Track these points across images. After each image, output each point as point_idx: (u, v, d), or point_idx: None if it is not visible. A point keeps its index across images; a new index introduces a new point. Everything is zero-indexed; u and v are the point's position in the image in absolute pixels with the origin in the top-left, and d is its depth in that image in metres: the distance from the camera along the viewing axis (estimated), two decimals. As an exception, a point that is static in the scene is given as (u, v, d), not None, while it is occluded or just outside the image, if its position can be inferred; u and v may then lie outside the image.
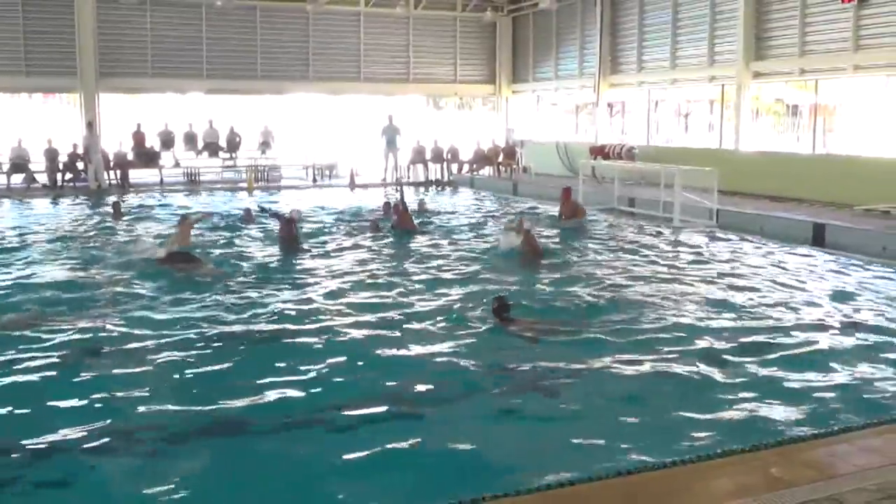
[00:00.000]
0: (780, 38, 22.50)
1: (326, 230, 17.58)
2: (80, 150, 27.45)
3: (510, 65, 35.62)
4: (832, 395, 7.21)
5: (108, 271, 12.78)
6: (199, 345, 8.70)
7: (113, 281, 12.00)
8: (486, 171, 30.92)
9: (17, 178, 26.93)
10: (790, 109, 26.37)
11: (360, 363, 8.06)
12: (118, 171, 27.87)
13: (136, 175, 28.40)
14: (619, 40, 29.25)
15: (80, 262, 13.71)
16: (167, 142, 29.52)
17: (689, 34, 25.93)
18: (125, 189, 27.01)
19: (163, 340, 8.75)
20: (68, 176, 27.26)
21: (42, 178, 27.22)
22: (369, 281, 12.19)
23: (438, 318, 9.71)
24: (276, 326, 9.46)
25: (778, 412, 6.75)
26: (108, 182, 27.30)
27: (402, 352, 8.53)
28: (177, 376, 7.68)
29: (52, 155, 27.06)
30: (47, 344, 8.58)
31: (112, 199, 21.31)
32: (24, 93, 34.99)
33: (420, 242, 15.89)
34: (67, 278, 12.25)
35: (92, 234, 17.31)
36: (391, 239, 16.28)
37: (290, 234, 15.07)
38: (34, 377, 7.61)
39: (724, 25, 24.39)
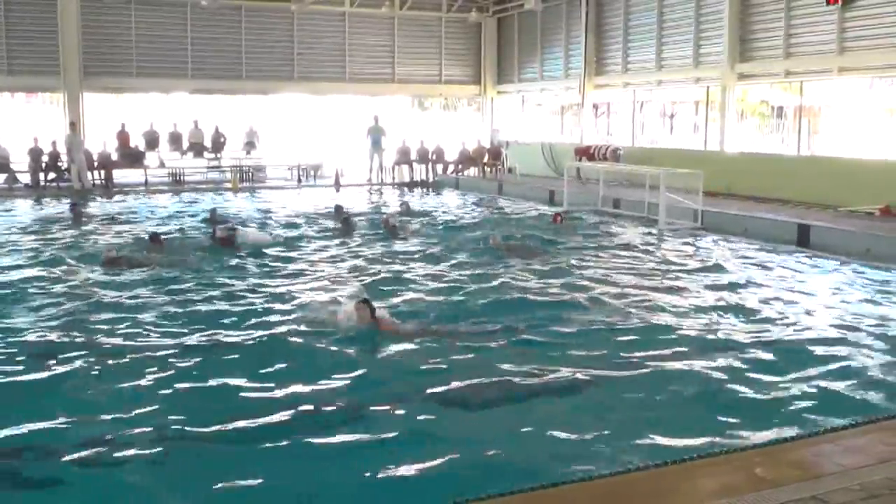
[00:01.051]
0: (765, 39, 22.57)
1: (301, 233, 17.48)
2: (62, 149, 27.39)
3: (495, 65, 35.63)
4: (816, 394, 7.21)
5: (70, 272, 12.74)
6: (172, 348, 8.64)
7: (76, 283, 11.95)
8: (472, 171, 30.91)
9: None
10: (775, 111, 26.44)
11: (335, 366, 7.99)
12: (102, 172, 27.73)
13: (120, 175, 28.27)
14: (604, 41, 29.29)
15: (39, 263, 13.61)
16: (152, 142, 29.45)
17: (675, 35, 25.99)
18: (109, 189, 26.90)
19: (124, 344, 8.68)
20: (51, 176, 27.12)
21: (25, 178, 27.04)
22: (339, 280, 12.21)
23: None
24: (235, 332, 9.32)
25: (762, 412, 6.75)
26: (91, 182, 27.13)
27: (377, 355, 8.47)
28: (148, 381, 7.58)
29: (35, 154, 26.89)
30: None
31: (69, 201, 21.06)
32: (6, 92, 34.83)
33: (394, 244, 15.82)
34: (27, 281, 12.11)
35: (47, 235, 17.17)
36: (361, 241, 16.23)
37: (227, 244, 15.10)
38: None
39: (710, 27, 24.46)
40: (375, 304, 9.25)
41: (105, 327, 9.35)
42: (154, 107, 33.18)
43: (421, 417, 6.79)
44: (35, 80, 29.63)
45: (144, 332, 9.20)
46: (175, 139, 29.94)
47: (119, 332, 9.23)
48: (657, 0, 26.35)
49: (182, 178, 29.39)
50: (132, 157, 28.70)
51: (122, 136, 28.77)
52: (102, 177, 27.74)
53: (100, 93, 31.07)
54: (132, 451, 6.05)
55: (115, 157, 28.24)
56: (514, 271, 12.96)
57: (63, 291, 11.28)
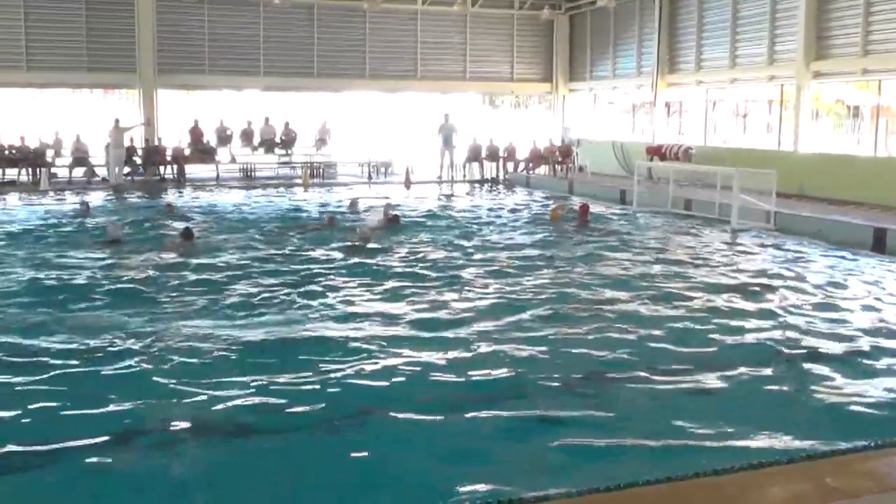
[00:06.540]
0: (842, 37, 22.12)
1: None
2: (138, 144, 28.14)
3: (567, 63, 35.49)
4: (890, 404, 7.05)
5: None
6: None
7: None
8: (542, 169, 30.79)
9: (79, 172, 27.45)
10: (851, 110, 25.96)
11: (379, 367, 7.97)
12: (175, 166, 28.24)
13: (192, 170, 28.76)
14: (677, 38, 29.01)
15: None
16: (224, 138, 29.83)
17: (749, 33, 25.61)
18: (182, 183, 27.41)
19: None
20: (126, 170, 27.58)
21: (102, 172, 27.64)
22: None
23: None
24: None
25: (834, 420, 6.62)
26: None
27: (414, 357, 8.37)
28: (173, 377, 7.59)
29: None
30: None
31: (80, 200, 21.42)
32: (85, 88, 35.56)
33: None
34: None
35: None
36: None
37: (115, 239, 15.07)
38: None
39: (785, 24, 24.05)
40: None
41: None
42: (226, 103, 33.60)
43: (453, 419, 6.75)
44: (112, 77, 30.27)
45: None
46: (247, 135, 30.29)
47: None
48: (731, -4, 26.07)
49: (253, 173, 29.77)
50: (204, 153, 29.12)
51: (195, 132, 29.23)
52: (175, 171, 28.24)
53: (174, 90, 31.66)
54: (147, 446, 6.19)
55: (187, 152, 28.67)
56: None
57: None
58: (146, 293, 10.98)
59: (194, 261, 13.34)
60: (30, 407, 6.77)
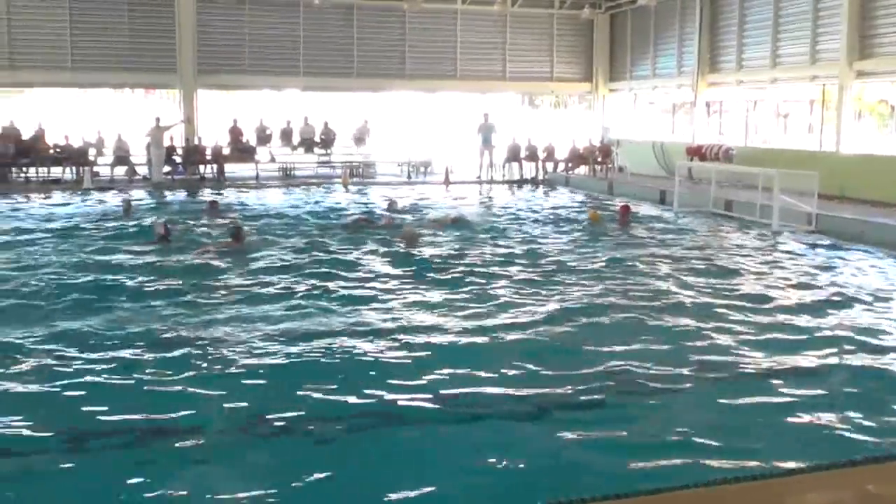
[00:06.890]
0: (887, 35, 21.81)
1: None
2: (178, 143, 28.47)
3: (607, 63, 35.30)
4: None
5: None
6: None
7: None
8: (582, 170, 30.68)
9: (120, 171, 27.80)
10: (895, 110, 25.65)
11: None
12: (215, 165, 28.45)
13: (232, 169, 28.95)
14: (718, 38, 28.78)
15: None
16: (263, 137, 30.00)
17: (791, 32, 25.32)
18: (221, 182, 27.59)
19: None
20: (166, 169, 27.82)
21: (143, 171, 27.92)
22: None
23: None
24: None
25: (875, 426, 6.54)
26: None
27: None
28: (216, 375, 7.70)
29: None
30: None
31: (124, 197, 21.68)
32: (127, 88, 35.93)
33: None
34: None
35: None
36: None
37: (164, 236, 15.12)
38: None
39: (827, 23, 23.75)
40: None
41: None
42: (265, 103, 33.82)
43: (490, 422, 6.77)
44: (153, 77, 30.57)
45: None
46: (286, 135, 30.44)
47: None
48: (774, -5, 25.82)
49: (292, 172, 29.93)
50: (244, 152, 29.29)
51: (235, 131, 29.42)
52: (215, 170, 28.44)
53: (214, 89, 31.93)
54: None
55: (227, 151, 28.85)
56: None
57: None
58: (194, 292, 11.05)
59: (243, 261, 13.42)
60: (73, 405, 6.89)
